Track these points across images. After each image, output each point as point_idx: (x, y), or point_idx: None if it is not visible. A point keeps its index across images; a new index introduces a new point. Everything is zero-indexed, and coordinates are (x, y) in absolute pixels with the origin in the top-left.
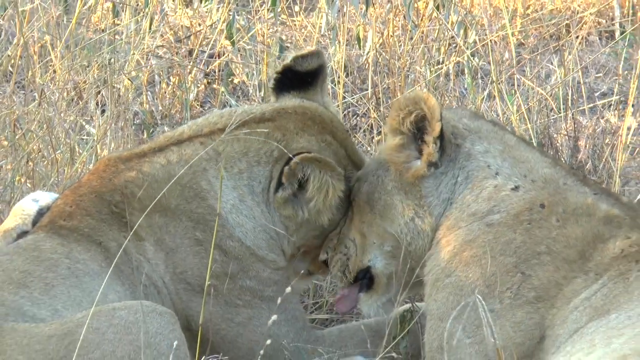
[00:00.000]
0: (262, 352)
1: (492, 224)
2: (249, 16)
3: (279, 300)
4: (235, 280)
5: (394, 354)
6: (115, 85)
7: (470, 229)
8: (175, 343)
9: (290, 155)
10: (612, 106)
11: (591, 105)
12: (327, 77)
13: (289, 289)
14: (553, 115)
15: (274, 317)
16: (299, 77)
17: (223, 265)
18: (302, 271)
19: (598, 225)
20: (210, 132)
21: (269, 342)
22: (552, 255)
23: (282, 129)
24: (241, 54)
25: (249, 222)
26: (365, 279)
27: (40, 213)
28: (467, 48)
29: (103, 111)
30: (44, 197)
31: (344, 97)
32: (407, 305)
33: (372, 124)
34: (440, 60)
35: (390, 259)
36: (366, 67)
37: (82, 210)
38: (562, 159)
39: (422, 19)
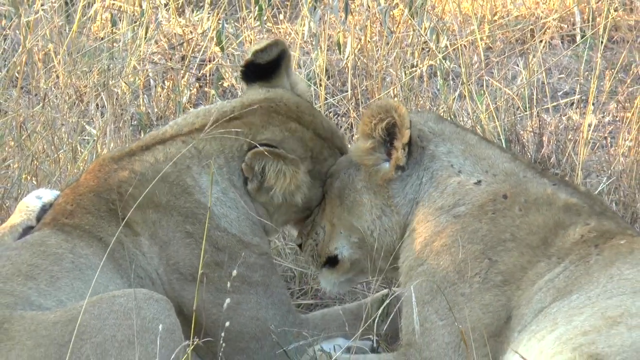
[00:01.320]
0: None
1: (459, 215)
2: (237, 24)
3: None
4: (224, 268)
5: (370, 336)
6: (114, 89)
7: (438, 221)
8: (170, 327)
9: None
10: (574, 105)
11: (555, 104)
12: (291, 57)
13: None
14: (519, 114)
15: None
16: (263, 68)
17: (212, 255)
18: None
19: (558, 213)
20: (189, 131)
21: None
22: (517, 242)
23: (248, 125)
24: (230, 59)
25: (232, 212)
26: (330, 262)
27: (44, 209)
28: (439, 52)
29: (102, 113)
30: (47, 194)
31: (325, 99)
32: (385, 291)
33: (352, 123)
34: (415, 63)
35: (356, 249)
36: (346, 70)
37: (82, 208)
38: (528, 154)
39: (397, 26)
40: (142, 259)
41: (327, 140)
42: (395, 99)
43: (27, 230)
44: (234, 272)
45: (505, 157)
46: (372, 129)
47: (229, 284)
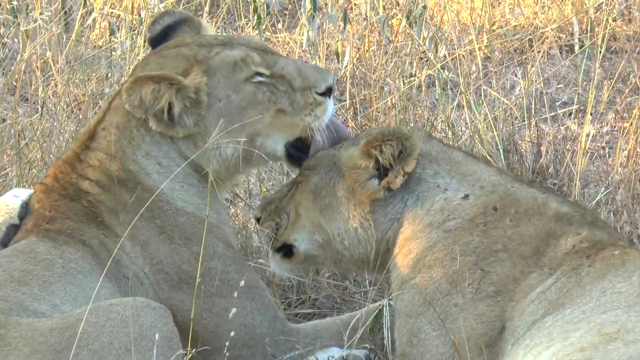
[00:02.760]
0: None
1: (450, 230)
2: (235, 33)
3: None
4: (202, 263)
5: (367, 345)
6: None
7: (429, 237)
8: (168, 335)
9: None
10: (572, 114)
11: (553, 113)
12: (201, 24)
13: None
14: (517, 124)
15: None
16: (163, 39)
17: (187, 247)
18: (283, 148)
19: (550, 223)
20: (103, 112)
21: (232, 334)
22: (509, 253)
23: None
24: None
25: (175, 183)
26: (285, 250)
27: (23, 207)
28: (438, 62)
29: None
30: (23, 193)
31: None
32: (380, 302)
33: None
34: (413, 73)
35: (316, 247)
36: (344, 79)
37: (61, 214)
38: (526, 164)
39: (395, 35)
40: (126, 259)
41: (210, 42)
42: (394, 108)
43: (11, 228)
44: (212, 264)
45: (492, 171)
46: (378, 149)
47: (210, 284)
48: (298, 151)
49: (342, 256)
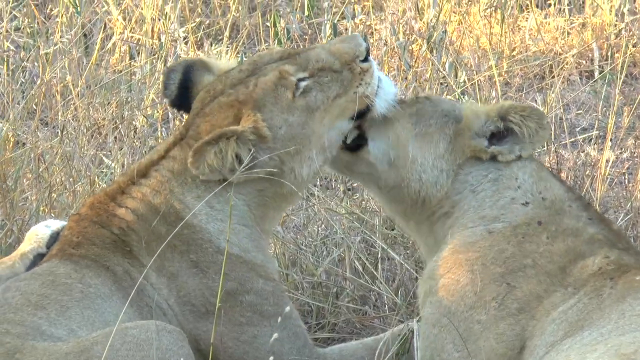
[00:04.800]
0: None
1: (493, 232)
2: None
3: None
4: (235, 297)
5: None
6: (132, 121)
7: (474, 232)
8: (184, 358)
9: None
10: (592, 140)
11: (572, 139)
12: (212, 65)
13: (287, 309)
14: (537, 149)
15: (275, 334)
16: (185, 96)
17: (220, 281)
18: (345, 134)
19: (581, 245)
20: (159, 157)
21: (271, 359)
22: (537, 269)
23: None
24: None
25: (226, 224)
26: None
27: (53, 237)
28: (457, 87)
29: (121, 146)
30: (55, 223)
31: None
32: (403, 325)
33: None
34: None
35: (384, 162)
36: None
37: (88, 240)
38: None
39: (415, 60)
40: (150, 289)
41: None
42: None
43: (38, 257)
44: (246, 298)
45: (563, 186)
46: (520, 119)
47: (242, 315)
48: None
49: (407, 187)
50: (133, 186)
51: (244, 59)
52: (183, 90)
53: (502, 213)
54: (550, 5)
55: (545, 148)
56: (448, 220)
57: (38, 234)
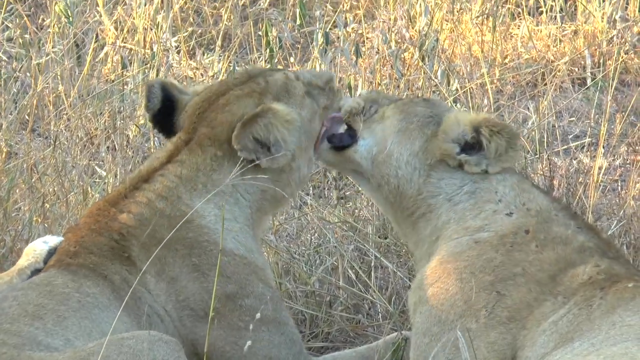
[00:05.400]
0: None
1: (479, 241)
2: (248, 67)
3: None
4: (235, 300)
5: None
6: (125, 131)
7: (459, 242)
8: None
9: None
10: (584, 148)
11: (565, 147)
12: (173, 85)
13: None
14: (530, 157)
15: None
16: (168, 113)
17: (222, 286)
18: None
19: (572, 253)
20: (161, 164)
21: None
22: (527, 277)
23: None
24: None
25: (234, 224)
26: (342, 138)
27: (50, 253)
28: (450, 95)
29: (113, 156)
30: (53, 240)
31: None
32: (396, 334)
33: None
34: None
35: (368, 159)
36: None
37: (85, 249)
38: None
39: (408, 69)
40: (148, 296)
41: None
42: None
43: (35, 273)
44: (246, 302)
45: (547, 197)
46: (490, 134)
47: (240, 320)
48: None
49: (387, 184)
50: (136, 191)
51: (237, 68)
52: (165, 105)
53: (486, 223)
54: (542, 12)
55: (538, 155)
56: (428, 225)
57: (36, 249)
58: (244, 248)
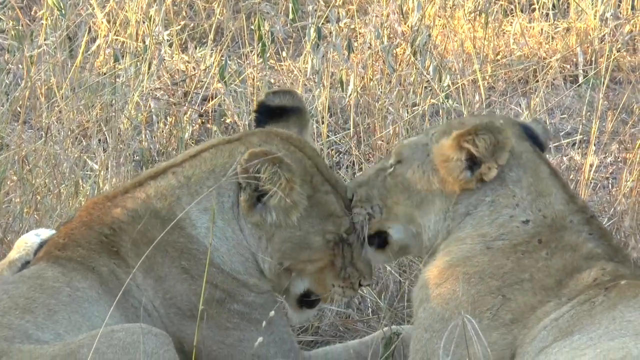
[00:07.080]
0: None
1: (492, 248)
2: (240, 61)
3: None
4: (223, 305)
5: None
6: (116, 124)
7: (472, 247)
8: None
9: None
10: (575, 145)
11: (556, 144)
12: (308, 122)
13: (272, 313)
14: None
15: (260, 339)
16: (274, 113)
17: (210, 291)
18: (301, 291)
19: (579, 260)
20: (182, 160)
21: None
22: (533, 283)
23: (246, 143)
24: (233, 96)
25: (223, 244)
26: (379, 239)
27: (41, 245)
28: (441, 91)
29: (105, 148)
30: (45, 232)
31: (327, 136)
32: (389, 328)
33: (354, 161)
34: (417, 102)
35: (410, 237)
36: (348, 108)
37: (74, 241)
38: None
39: (399, 64)
40: (136, 290)
41: (326, 177)
42: (398, 137)
43: (25, 265)
44: (235, 307)
45: (564, 198)
46: (473, 143)
47: (228, 321)
48: None
49: (429, 245)
50: (139, 187)
51: (228, 62)
52: (277, 112)
53: (502, 233)
54: (534, 9)
55: None
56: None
57: (27, 242)
58: (230, 268)
